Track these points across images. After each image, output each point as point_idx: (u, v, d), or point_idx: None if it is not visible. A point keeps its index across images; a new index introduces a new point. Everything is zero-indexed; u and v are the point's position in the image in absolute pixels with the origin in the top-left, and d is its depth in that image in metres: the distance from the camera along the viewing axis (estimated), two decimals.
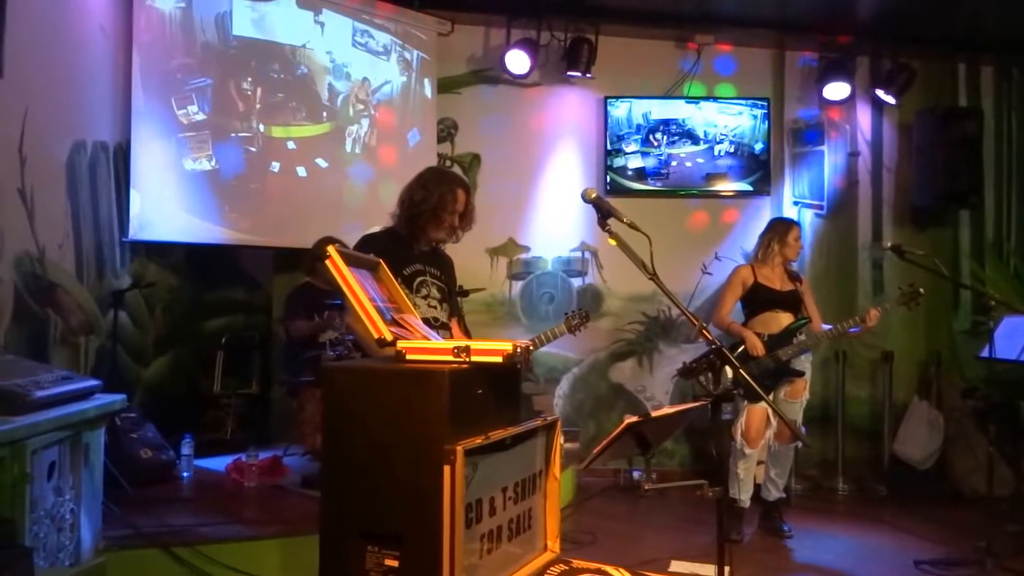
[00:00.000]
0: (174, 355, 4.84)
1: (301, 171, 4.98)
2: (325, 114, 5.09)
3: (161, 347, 4.74)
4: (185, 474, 4.14)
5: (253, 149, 4.78)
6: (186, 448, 4.18)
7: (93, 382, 2.71)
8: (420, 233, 3.00)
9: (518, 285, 5.61)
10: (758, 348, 4.09)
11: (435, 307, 3.00)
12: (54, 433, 2.37)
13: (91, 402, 2.61)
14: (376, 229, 3.16)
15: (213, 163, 4.59)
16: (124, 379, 4.21)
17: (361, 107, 5.26)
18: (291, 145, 4.94)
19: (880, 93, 5.59)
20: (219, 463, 4.38)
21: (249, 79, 4.76)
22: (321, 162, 5.07)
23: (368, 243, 2.98)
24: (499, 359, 1.79)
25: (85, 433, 2.59)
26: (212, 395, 4.97)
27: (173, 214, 4.47)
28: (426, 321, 2.88)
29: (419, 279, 2.99)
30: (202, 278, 5.11)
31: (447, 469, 1.65)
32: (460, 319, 3.31)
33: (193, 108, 4.48)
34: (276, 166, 4.88)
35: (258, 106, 4.80)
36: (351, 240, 4.41)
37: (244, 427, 4.94)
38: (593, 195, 2.63)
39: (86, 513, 2.60)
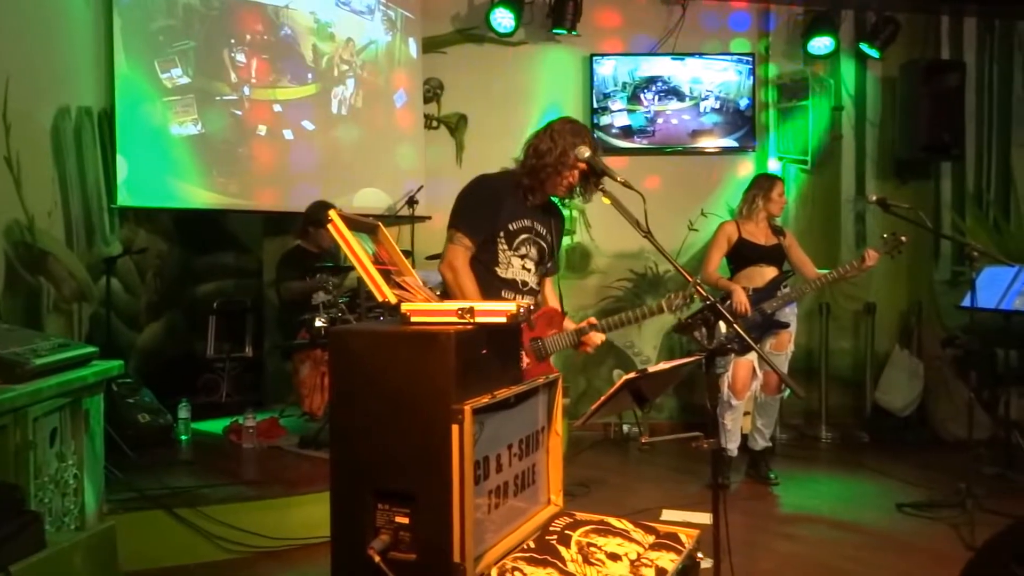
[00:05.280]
0: (167, 320, 4.85)
1: (288, 134, 4.94)
2: (310, 76, 5.03)
3: (154, 312, 4.75)
4: (183, 437, 4.19)
5: (239, 112, 4.74)
6: (183, 412, 4.23)
7: (90, 348, 2.73)
8: (538, 186, 2.82)
9: None
10: (744, 305, 4.14)
11: (528, 269, 2.87)
12: (54, 400, 2.39)
13: (89, 368, 2.63)
14: (494, 171, 2.95)
15: (199, 127, 4.55)
16: (118, 345, 4.22)
17: (346, 68, 5.20)
18: (277, 108, 4.89)
19: (864, 47, 5.59)
20: (216, 426, 4.44)
21: (232, 41, 4.70)
22: (307, 124, 5.03)
23: (483, 185, 2.86)
24: (503, 319, 1.83)
25: (85, 399, 2.60)
26: (206, 359, 4.99)
27: (161, 179, 4.44)
28: (513, 283, 2.82)
29: (523, 236, 2.84)
30: (192, 243, 5.09)
31: (455, 428, 1.69)
32: (555, 279, 3.11)
33: (177, 71, 4.43)
34: (263, 129, 4.84)
35: (242, 68, 4.74)
36: (340, 204, 4.44)
37: (239, 390, 4.99)
38: (586, 154, 2.67)
39: (89, 478, 2.63)
